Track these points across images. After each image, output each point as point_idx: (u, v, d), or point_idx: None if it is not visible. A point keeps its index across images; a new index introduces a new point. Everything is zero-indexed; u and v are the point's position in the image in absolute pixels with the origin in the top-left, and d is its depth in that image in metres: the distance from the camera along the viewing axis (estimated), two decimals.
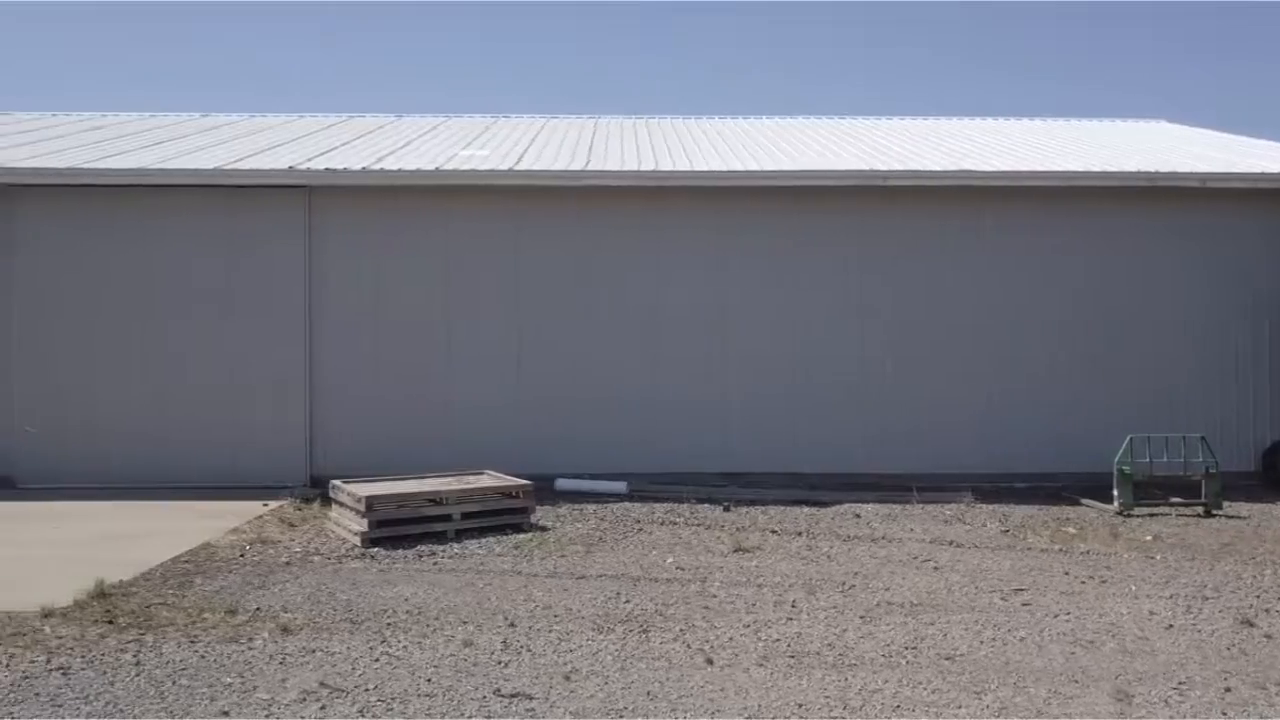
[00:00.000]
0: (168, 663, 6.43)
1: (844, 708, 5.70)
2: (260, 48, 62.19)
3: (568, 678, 6.11)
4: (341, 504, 10.89)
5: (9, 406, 13.49)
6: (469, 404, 13.65)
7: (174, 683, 6.06)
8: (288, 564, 9.40)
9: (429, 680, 6.06)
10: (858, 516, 11.80)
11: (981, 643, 6.92)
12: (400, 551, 9.85)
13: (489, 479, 11.55)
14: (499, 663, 6.43)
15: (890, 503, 12.56)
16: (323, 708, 5.65)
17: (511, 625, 7.30)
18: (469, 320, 13.74)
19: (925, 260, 13.83)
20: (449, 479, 11.68)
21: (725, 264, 13.85)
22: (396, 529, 10.33)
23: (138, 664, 6.40)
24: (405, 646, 6.77)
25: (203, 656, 6.59)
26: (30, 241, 13.38)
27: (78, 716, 5.57)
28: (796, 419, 13.88)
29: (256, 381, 13.52)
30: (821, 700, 5.81)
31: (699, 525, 11.29)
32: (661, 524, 11.34)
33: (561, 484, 13.17)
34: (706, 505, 12.34)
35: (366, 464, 13.35)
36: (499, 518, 10.97)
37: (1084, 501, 12.74)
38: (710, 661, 6.44)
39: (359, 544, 10.07)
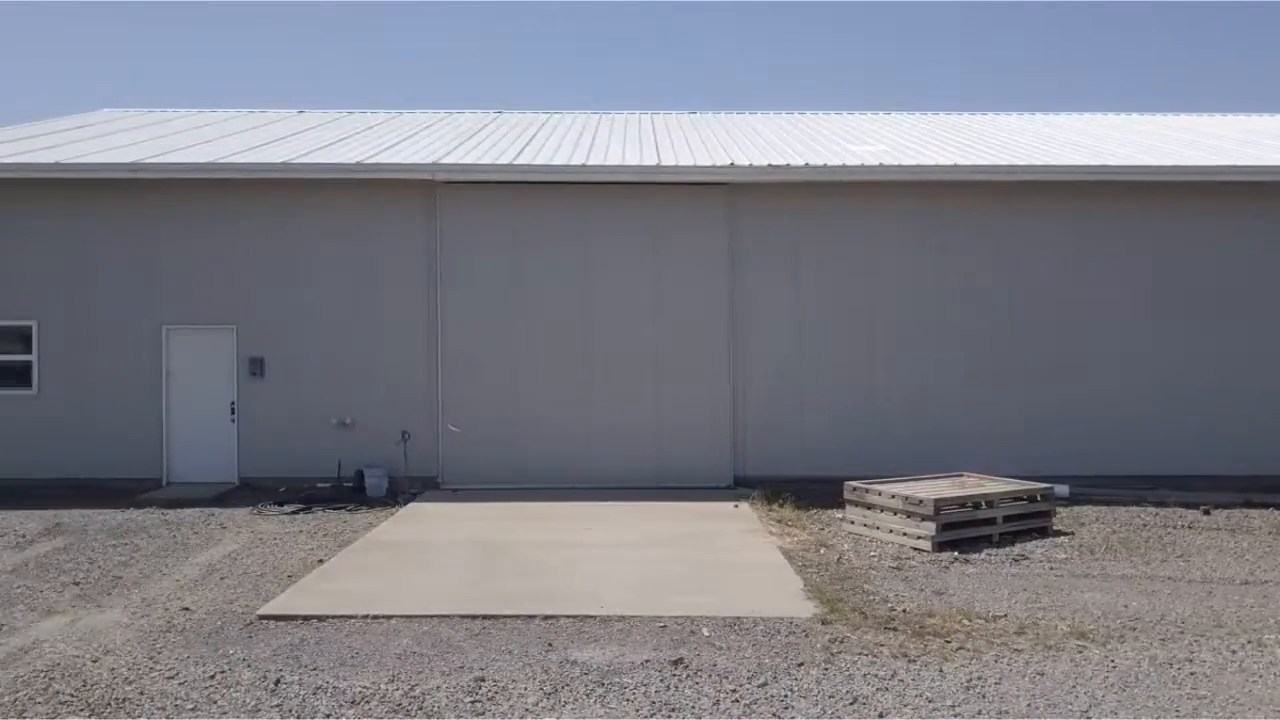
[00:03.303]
0: (1070, 675, 6.17)
1: None
2: (259, 48, 61.97)
3: None
4: (870, 506, 10.63)
5: (434, 406, 13.29)
6: (896, 402, 13.38)
7: (1141, 691, 5.81)
8: (895, 569, 9.12)
9: None
10: None
11: None
12: (979, 555, 9.58)
13: (994, 482, 11.28)
14: None
15: None
16: None
17: None
18: (888, 317, 13.47)
19: None
20: (942, 481, 11.42)
21: (1151, 263, 13.54)
22: (956, 532, 10.10)
23: (1041, 675, 6.14)
24: None
25: (1076, 665, 6.32)
26: (454, 240, 13.17)
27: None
28: (1216, 420, 13.56)
29: (681, 383, 13.27)
30: None
31: (1212, 529, 10.98)
32: (1173, 528, 11.04)
33: None
34: (1180, 509, 12.06)
35: (786, 466, 13.21)
36: (1026, 521, 10.72)
37: None
38: None
39: (928, 548, 9.82)
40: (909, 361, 13.45)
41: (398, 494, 12.78)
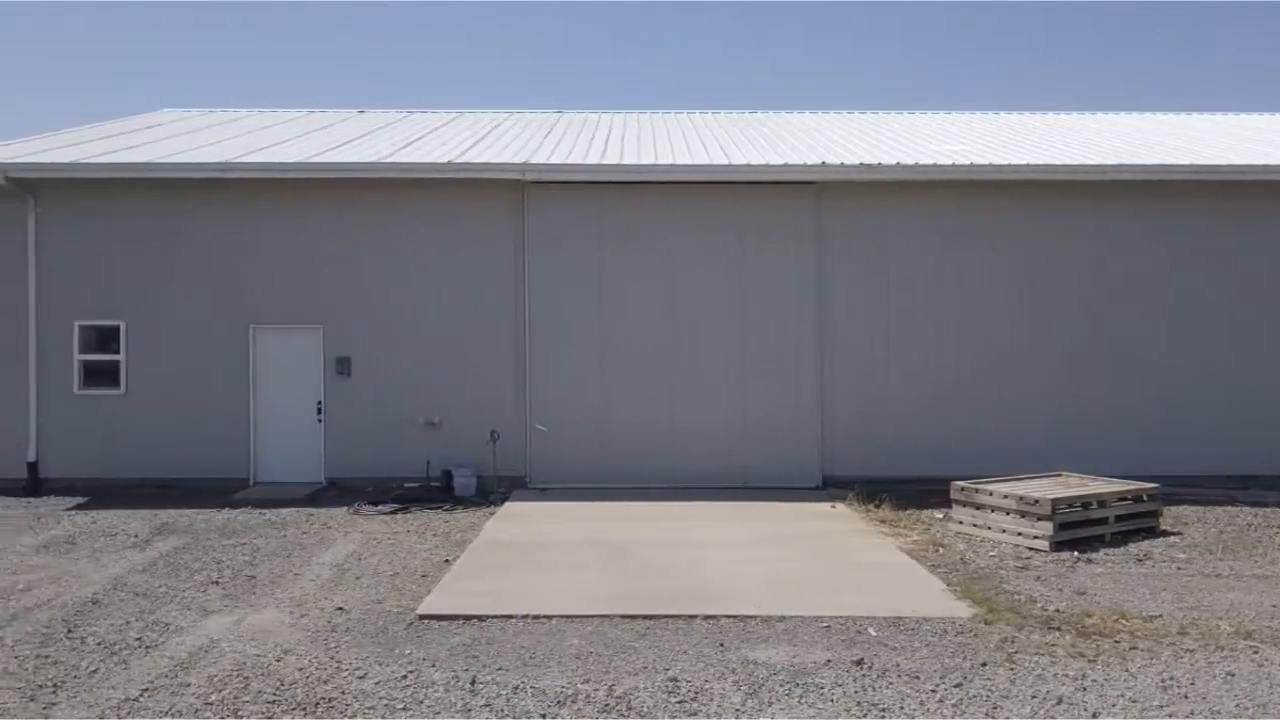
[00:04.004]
0: (1260, 676, 6.16)
1: None
2: (262, 49, 62.07)
3: None
4: (980, 506, 10.60)
5: (522, 405, 13.28)
6: (981, 402, 13.33)
7: None
8: (1022, 569, 9.09)
9: None
10: None
11: None
12: (1098, 554, 9.56)
13: (1097, 482, 11.25)
14: None
15: None
16: None
17: None
18: (972, 316, 13.43)
19: None
20: (1045, 481, 11.39)
21: (1242, 259, 13.52)
22: (1070, 532, 10.07)
23: (1231, 675, 6.12)
24: None
25: (1260, 666, 6.29)
26: (540, 239, 13.16)
27: None
28: None
29: (767, 382, 13.24)
30: None
31: None
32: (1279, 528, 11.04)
33: None
34: (1278, 509, 12.04)
35: (873, 466, 13.17)
36: (1134, 521, 10.69)
37: None
38: None
39: (1044, 547, 9.79)
40: (992, 360, 13.40)
41: (487, 493, 12.77)
